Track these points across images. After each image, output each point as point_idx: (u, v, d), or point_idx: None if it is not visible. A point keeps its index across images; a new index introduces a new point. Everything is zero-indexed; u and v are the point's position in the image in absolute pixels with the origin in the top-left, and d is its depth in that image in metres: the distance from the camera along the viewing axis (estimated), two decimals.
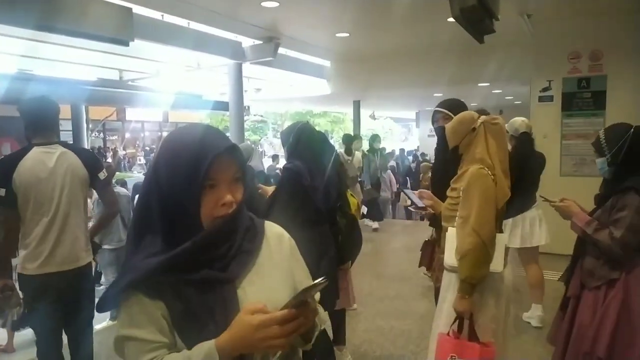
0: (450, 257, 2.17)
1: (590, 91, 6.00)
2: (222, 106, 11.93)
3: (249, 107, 12.88)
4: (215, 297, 0.96)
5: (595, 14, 5.84)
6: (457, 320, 2.09)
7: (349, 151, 7.80)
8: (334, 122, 28.32)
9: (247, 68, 8.49)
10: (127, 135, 23.07)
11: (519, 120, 3.94)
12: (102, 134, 22.87)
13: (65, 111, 10.49)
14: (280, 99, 13.87)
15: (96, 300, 1.39)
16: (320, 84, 10.62)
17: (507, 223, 3.77)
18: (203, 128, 1.03)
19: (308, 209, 2.65)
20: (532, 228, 3.84)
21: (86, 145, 9.74)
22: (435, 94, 11.93)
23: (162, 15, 6.24)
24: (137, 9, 5.21)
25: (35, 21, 4.23)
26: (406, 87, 10.39)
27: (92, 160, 2.73)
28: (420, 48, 8.48)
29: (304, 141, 2.77)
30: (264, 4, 5.76)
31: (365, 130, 16.47)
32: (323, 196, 2.70)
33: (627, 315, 2.06)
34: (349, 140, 8.06)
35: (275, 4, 5.79)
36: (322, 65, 10.21)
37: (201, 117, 22.49)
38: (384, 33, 7.51)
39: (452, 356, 2.03)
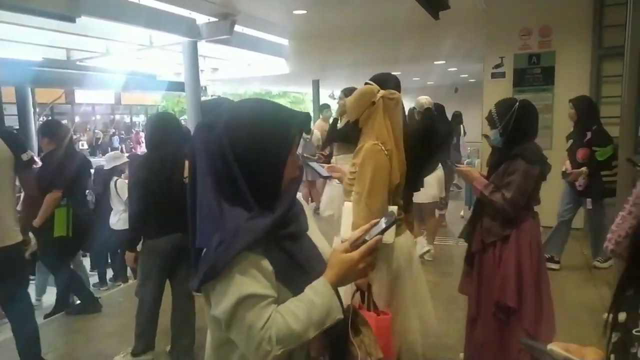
0: (346, 231, 2.23)
1: (540, 67, 6.23)
2: (177, 87, 11.59)
3: (206, 87, 12.60)
4: (306, 246, 1.14)
5: None
6: (359, 292, 2.17)
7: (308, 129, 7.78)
8: (294, 103, 28.09)
9: (203, 47, 8.27)
10: (77, 119, 22.09)
11: (423, 99, 4.94)
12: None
13: (9, 94, 9.98)
14: (238, 79, 13.62)
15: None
16: (279, 63, 10.49)
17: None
18: (269, 102, 1.13)
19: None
20: (430, 188, 4.66)
21: (34, 130, 9.25)
22: (393, 72, 12.04)
23: None
24: None
25: None
26: (365, 65, 10.39)
27: (16, 142, 2.85)
28: (379, 26, 8.50)
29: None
30: None
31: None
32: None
33: (519, 266, 2.37)
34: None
35: None
36: (281, 44, 10.08)
37: (156, 98, 21.80)
38: (341, 10, 7.48)
39: None
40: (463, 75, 13.88)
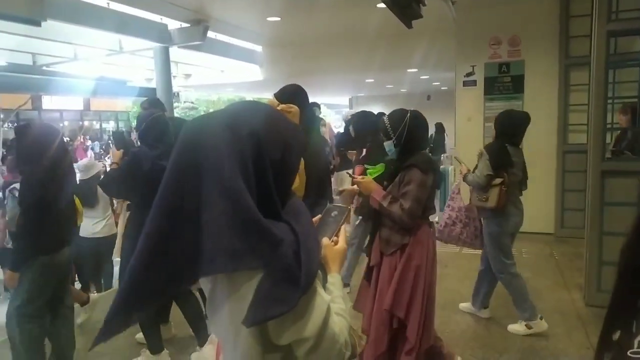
0: None
1: (510, 75, 6.36)
2: (149, 93, 11.36)
3: (178, 93, 12.43)
4: None
5: (514, 1, 6.17)
6: None
7: None
8: None
9: (175, 52, 8.15)
10: None
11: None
12: (15, 125, 21.02)
13: None
14: (211, 85, 13.48)
15: None
16: (253, 69, 10.43)
17: None
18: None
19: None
20: None
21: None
22: (367, 80, 12.16)
23: None
24: None
25: None
26: (339, 72, 10.48)
27: None
28: (352, 33, 8.55)
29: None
30: None
31: None
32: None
33: (415, 276, 2.42)
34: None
35: None
36: (254, 50, 10.02)
37: (126, 104, 21.38)
38: (315, 18, 7.48)
39: None
40: (435, 83, 14.10)
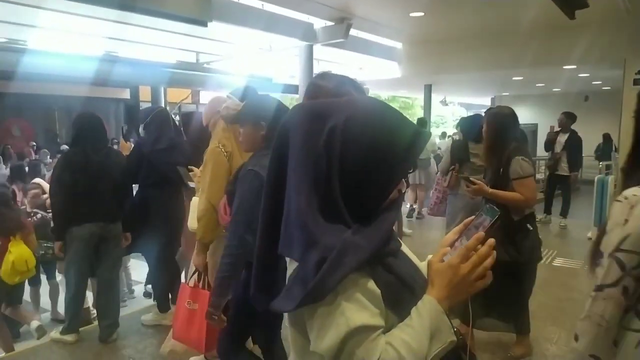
0: (192, 222, 2.69)
1: None
2: (291, 89, 12.00)
3: None
4: (406, 261, 0.99)
5: None
6: (197, 273, 2.51)
7: None
8: (403, 108, 27.71)
9: (317, 50, 8.45)
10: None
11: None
12: (177, 117, 23.84)
13: (146, 93, 11.08)
14: None
15: None
16: (391, 67, 10.37)
17: None
18: (396, 111, 0.95)
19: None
20: None
21: None
22: (514, 78, 11.28)
23: None
24: None
25: (119, 1, 4.44)
26: (483, 70, 9.88)
27: None
28: (501, 27, 7.99)
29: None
30: None
31: (434, 117, 15.92)
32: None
33: None
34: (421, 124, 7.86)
35: None
36: (394, 47, 9.95)
37: None
38: (462, 11, 7.15)
39: (188, 301, 2.47)
40: (596, 82, 12.53)
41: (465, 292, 0.90)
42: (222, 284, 2.01)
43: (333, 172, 0.86)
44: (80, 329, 3.53)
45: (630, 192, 1.23)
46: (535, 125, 14.18)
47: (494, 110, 3.29)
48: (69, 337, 3.42)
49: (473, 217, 0.95)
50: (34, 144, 12.30)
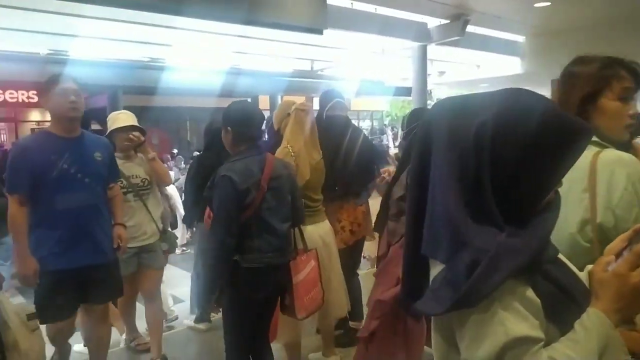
0: None
1: None
2: (404, 92, 11.89)
3: (431, 91, 12.57)
4: (564, 268, 0.90)
5: None
6: None
7: None
8: None
9: (431, 50, 8.25)
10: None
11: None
12: None
13: (264, 102, 11.82)
14: (465, 82, 13.18)
15: None
16: (512, 62, 9.74)
17: None
18: (552, 103, 0.89)
19: None
20: None
21: None
22: None
23: (352, 3, 6.43)
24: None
25: (242, 16, 4.77)
26: None
27: None
28: (637, 14, 7.07)
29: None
30: None
31: None
32: None
33: None
34: None
35: None
36: (515, 42, 9.34)
37: (381, 103, 22.81)
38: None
39: None
40: None
41: (637, 304, 0.80)
42: (211, 286, 2.23)
43: (484, 169, 0.80)
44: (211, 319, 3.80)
45: None
46: None
47: None
48: (201, 326, 3.73)
49: None
50: (175, 151, 13.67)
